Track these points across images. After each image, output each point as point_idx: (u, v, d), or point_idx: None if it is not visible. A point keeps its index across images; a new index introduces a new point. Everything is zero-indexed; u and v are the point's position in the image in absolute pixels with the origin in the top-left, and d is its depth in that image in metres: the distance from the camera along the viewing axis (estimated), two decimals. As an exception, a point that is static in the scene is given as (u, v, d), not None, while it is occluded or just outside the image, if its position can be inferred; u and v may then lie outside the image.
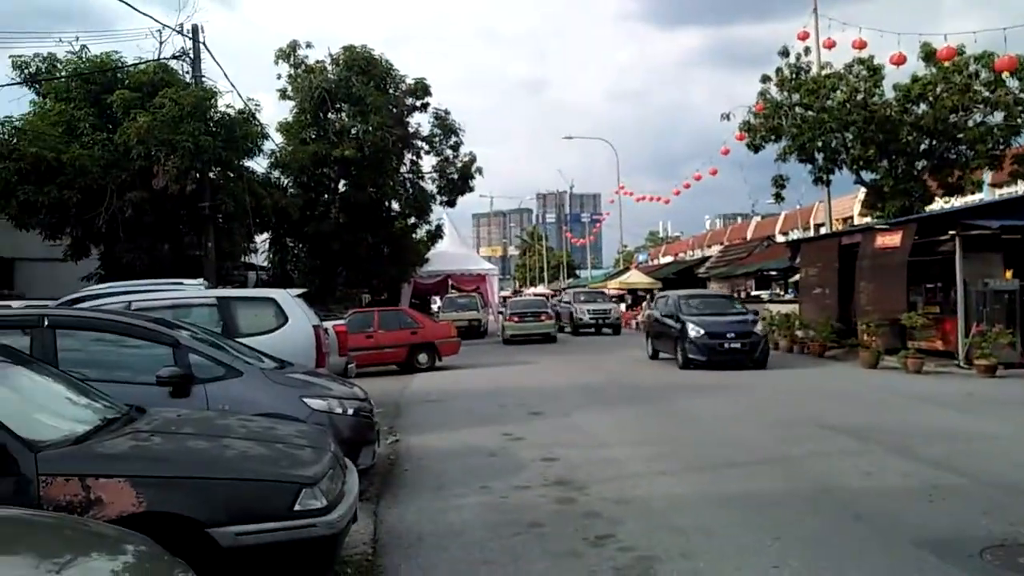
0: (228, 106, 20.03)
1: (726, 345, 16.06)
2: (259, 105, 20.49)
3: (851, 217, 38.36)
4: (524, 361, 19.45)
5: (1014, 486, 6.30)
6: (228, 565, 3.73)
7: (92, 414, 4.33)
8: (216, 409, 6.10)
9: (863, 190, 37.10)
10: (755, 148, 21.69)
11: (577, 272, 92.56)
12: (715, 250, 52.02)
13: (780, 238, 38.37)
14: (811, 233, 40.91)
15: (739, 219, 75.25)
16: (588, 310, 31.20)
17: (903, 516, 5.52)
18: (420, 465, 7.77)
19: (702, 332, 16.17)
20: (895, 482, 6.55)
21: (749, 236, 49.95)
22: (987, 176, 21.81)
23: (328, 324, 11.40)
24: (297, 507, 3.87)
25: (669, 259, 63.47)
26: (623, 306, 46.54)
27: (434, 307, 38.97)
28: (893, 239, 16.62)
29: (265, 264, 27.24)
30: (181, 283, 10.83)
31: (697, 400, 11.85)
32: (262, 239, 27.10)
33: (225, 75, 22.75)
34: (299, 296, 9.49)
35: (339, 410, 6.47)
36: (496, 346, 26.68)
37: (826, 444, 8.24)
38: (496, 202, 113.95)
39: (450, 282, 34.89)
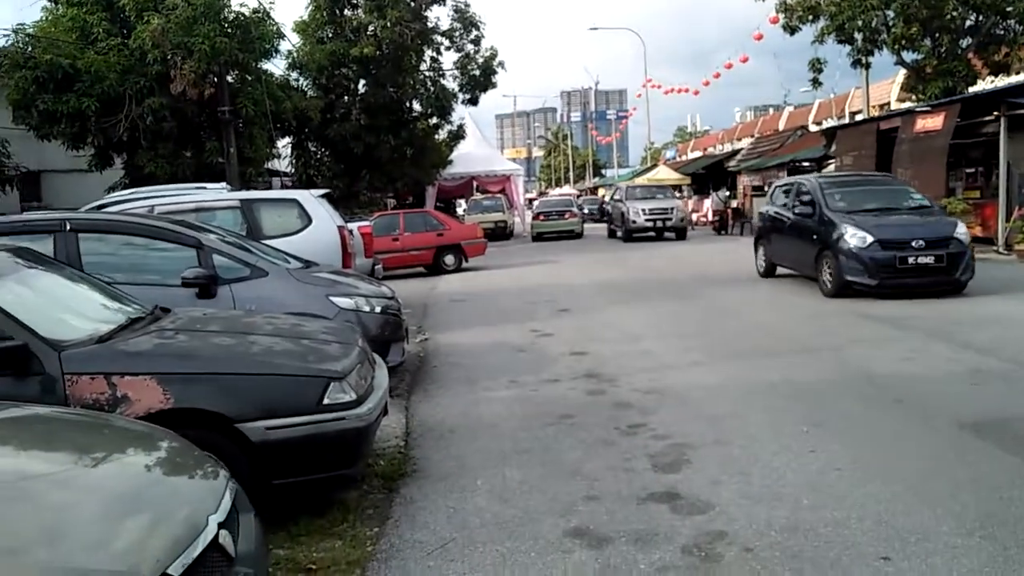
0: (242, 4, 19.37)
1: (913, 260, 9.97)
2: (273, 2, 19.79)
3: (888, 103, 36.75)
4: (549, 261, 19.32)
5: (1059, 369, 6.12)
6: (260, 460, 3.73)
7: (116, 314, 4.28)
8: (243, 309, 6.09)
9: (902, 74, 35.48)
10: (791, 30, 20.55)
11: (603, 171, 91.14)
12: (746, 143, 50.64)
13: (814, 128, 37.03)
14: (846, 121, 39.49)
15: (771, 111, 72.88)
16: (644, 209, 24.45)
17: (944, 400, 5.40)
18: (449, 362, 7.78)
19: (870, 240, 10.01)
20: (937, 367, 6.41)
21: (781, 127, 48.34)
22: (1014, 57, 20.53)
23: (353, 225, 11.29)
24: (326, 400, 3.83)
25: (698, 154, 61.99)
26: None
27: (459, 210, 38.71)
28: (935, 121, 15.91)
29: (288, 170, 27.02)
30: (204, 187, 10.70)
31: (727, 291, 11.70)
32: (284, 144, 26.84)
33: None
34: (322, 196, 9.34)
35: (366, 308, 6.42)
36: (523, 247, 26.55)
37: (865, 332, 8.09)
38: (519, 102, 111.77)
39: (475, 184, 34.42)
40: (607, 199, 32.83)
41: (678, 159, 62.70)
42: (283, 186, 27.31)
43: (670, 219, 24.49)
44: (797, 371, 6.49)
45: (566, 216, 30.20)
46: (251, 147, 19.94)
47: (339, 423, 3.83)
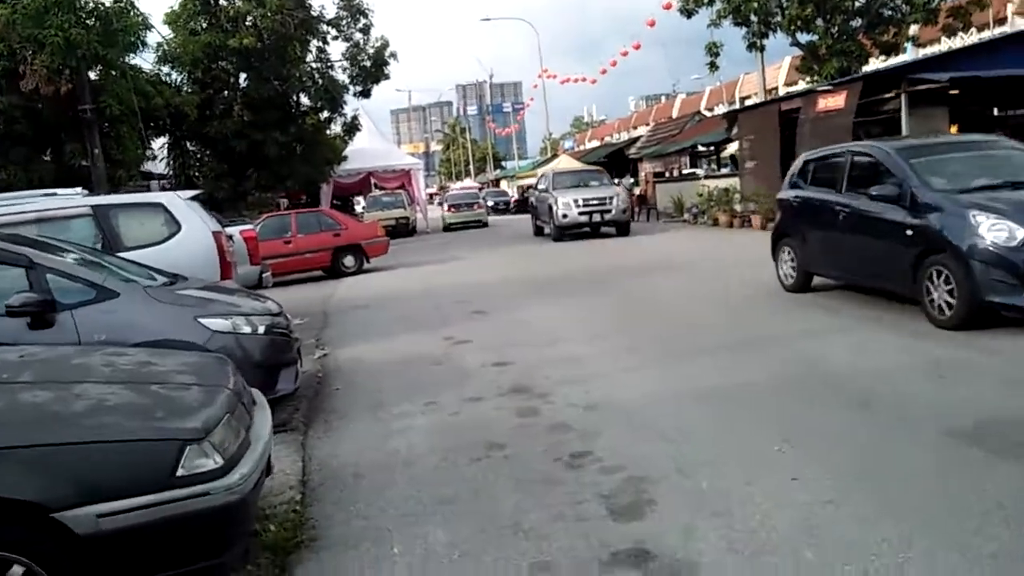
0: (100, -9, 17.47)
1: None
2: (139, -10, 17.95)
3: (776, 88, 37.68)
4: (455, 258, 18.39)
5: None
6: (91, 559, 2.70)
7: None
8: (90, 339, 4.92)
9: (788, 59, 36.57)
10: (688, 13, 20.37)
11: (503, 163, 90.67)
12: (642, 131, 51.07)
13: (707, 114, 37.46)
14: (740, 106, 40.27)
15: (663, 99, 74.15)
16: (578, 200, 19.77)
17: (914, 400, 4.83)
18: (353, 382, 6.77)
19: (1021, 235, 6.36)
20: (891, 359, 5.89)
21: (675, 115, 49.02)
22: (912, 32, 21.08)
23: (234, 230, 10.07)
24: (181, 471, 2.81)
25: (596, 143, 62.28)
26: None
27: (358, 207, 37.18)
28: (836, 100, 15.89)
29: (167, 171, 24.96)
30: (54, 193, 9.22)
31: (641, 281, 11.12)
32: (159, 144, 24.78)
33: None
34: (193, 199, 8.11)
35: (247, 329, 5.35)
36: (427, 244, 25.51)
37: (798, 318, 7.58)
38: (415, 96, 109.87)
39: (372, 180, 32.97)
40: (533, 189, 26.69)
41: (577, 149, 62.81)
42: (163, 189, 25.28)
43: (609, 211, 19.72)
44: (743, 370, 5.85)
45: (474, 207, 33.78)
46: (119, 148, 18.09)
47: (200, 500, 2.82)
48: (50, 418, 2.91)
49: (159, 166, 25.48)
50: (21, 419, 2.89)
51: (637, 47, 34.89)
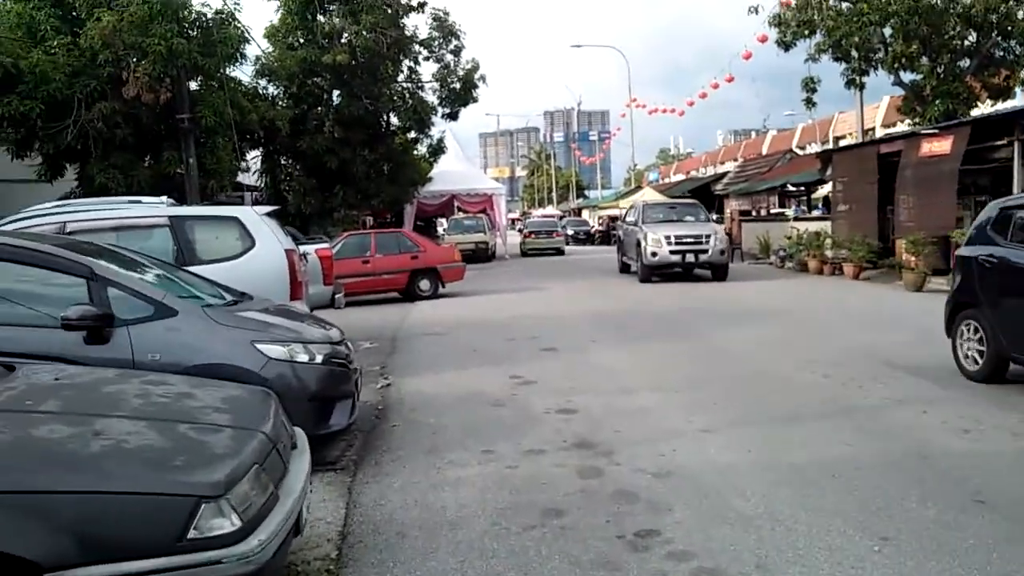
0: (204, 4, 18.09)
1: None
2: (238, 3, 18.52)
3: (873, 128, 36.17)
4: (533, 288, 18.02)
5: None
6: (86, 624, 2.41)
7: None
8: (144, 359, 4.76)
9: (887, 99, 34.97)
10: (785, 46, 19.61)
11: (586, 192, 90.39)
12: (729, 166, 49.93)
13: (799, 153, 36.17)
14: (830, 146, 38.70)
15: (753, 135, 72.51)
16: (670, 237, 17.44)
17: (1043, 500, 4.16)
18: (412, 420, 6.44)
19: None
20: (1003, 442, 5.20)
21: (765, 151, 47.72)
22: (1015, 81, 19.70)
23: (310, 248, 10.00)
24: (193, 532, 2.51)
25: (681, 177, 61.29)
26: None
27: (440, 229, 37.42)
28: (942, 145, 14.91)
29: (259, 184, 25.65)
30: (139, 201, 9.33)
31: (726, 330, 10.48)
32: (253, 157, 25.49)
33: None
34: (269, 215, 8.02)
35: (304, 357, 5.10)
36: (505, 270, 25.31)
37: (896, 387, 6.87)
38: (503, 121, 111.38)
39: (456, 203, 33.12)
40: (620, 221, 24.36)
41: (661, 181, 61.95)
42: (255, 202, 25.95)
43: (705, 251, 17.36)
44: (840, 445, 5.25)
45: (553, 235, 35.47)
46: (214, 159, 18.57)
47: (210, 570, 2.51)
48: (58, 459, 2.65)
49: (251, 177, 26.30)
50: (26, 458, 2.64)
51: (730, 80, 33.99)
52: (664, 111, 46.17)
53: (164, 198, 9.87)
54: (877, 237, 17.04)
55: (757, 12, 19.78)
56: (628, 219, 21.37)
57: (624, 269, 20.42)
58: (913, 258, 15.07)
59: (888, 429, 5.60)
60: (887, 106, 33.94)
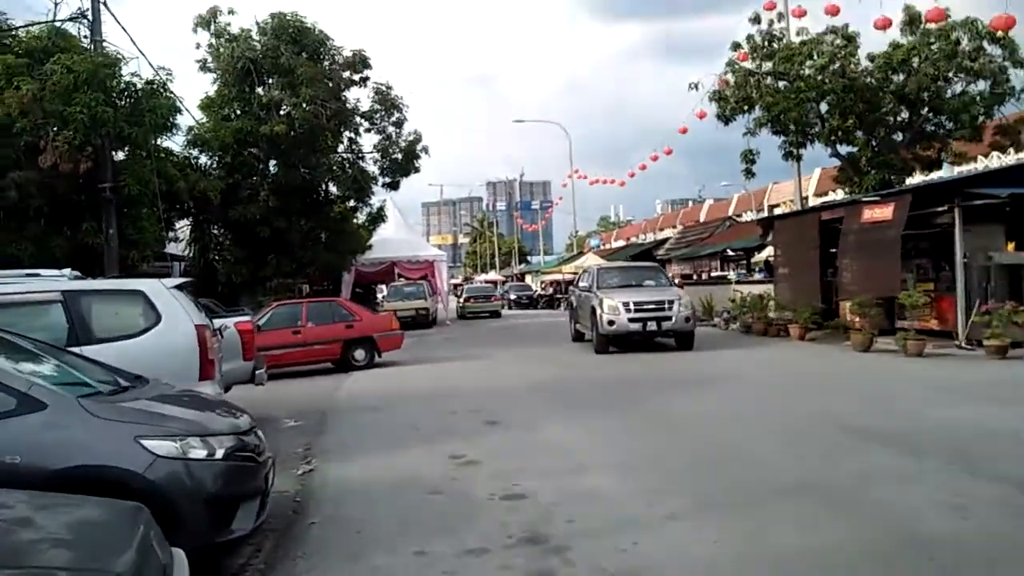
0: (134, 74, 17.44)
1: None
2: (171, 73, 17.91)
3: (807, 197, 37.15)
4: (476, 356, 17.35)
5: None
6: None
7: None
8: (2, 461, 3.94)
9: (818, 171, 36.13)
10: (725, 120, 19.92)
11: (529, 258, 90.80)
12: (669, 232, 50.70)
13: (737, 220, 36.79)
14: (764, 214, 39.61)
15: (690, 203, 74.30)
16: (628, 304, 15.71)
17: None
18: (335, 514, 5.65)
19: None
20: (1000, 521, 4.71)
21: (703, 219, 48.73)
22: (948, 153, 20.39)
23: (229, 321, 9.21)
24: None
25: (622, 243, 62.02)
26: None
27: (379, 296, 36.66)
28: (883, 212, 15.02)
29: (187, 254, 24.59)
30: (37, 274, 8.44)
31: (682, 399, 9.97)
32: (181, 226, 24.50)
33: (131, 39, 19.48)
34: (179, 287, 7.27)
35: (200, 452, 4.33)
36: (446, 337, 24.60)
37: (865, 458, 6.39)
38: (446, 191, 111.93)
39: (396, 270, 32.50)
40: (573, 287, 22.01)
41: (603, 247, 62.51)
42: (184, 272, 24.84)
43: (669, 318, 15.61)
44: (822, 528, 4.69)
45: (491, 299, 38.09)
46: (136, 229, 17.61)
47: None
48: None
49: (181, 248, 25.25)
50: None
51: (668, 152, 34.73)
52: (604, 182, 46.88)
53: (67, 271, 8.98)
54: (820, 299, 17.00)
55: (697, 88, 20.14)
56: (581, 284, 19.20)
57: (578, 338, 18.45)
58: (859, 319, 15.01)
59: (873, 510, 5.05)
60: (819, 176, 35.02)
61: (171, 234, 25.19)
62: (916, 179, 20.19)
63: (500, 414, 9.39)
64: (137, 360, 6.03)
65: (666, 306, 15.67)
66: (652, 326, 15.53)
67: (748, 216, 38.06)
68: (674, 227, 53.91)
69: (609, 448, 7.38)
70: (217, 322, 8.58)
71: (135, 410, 4.45)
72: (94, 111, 15.53)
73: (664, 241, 40.13)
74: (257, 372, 9.23)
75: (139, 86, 17.27)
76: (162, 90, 17.63)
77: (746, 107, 19.52)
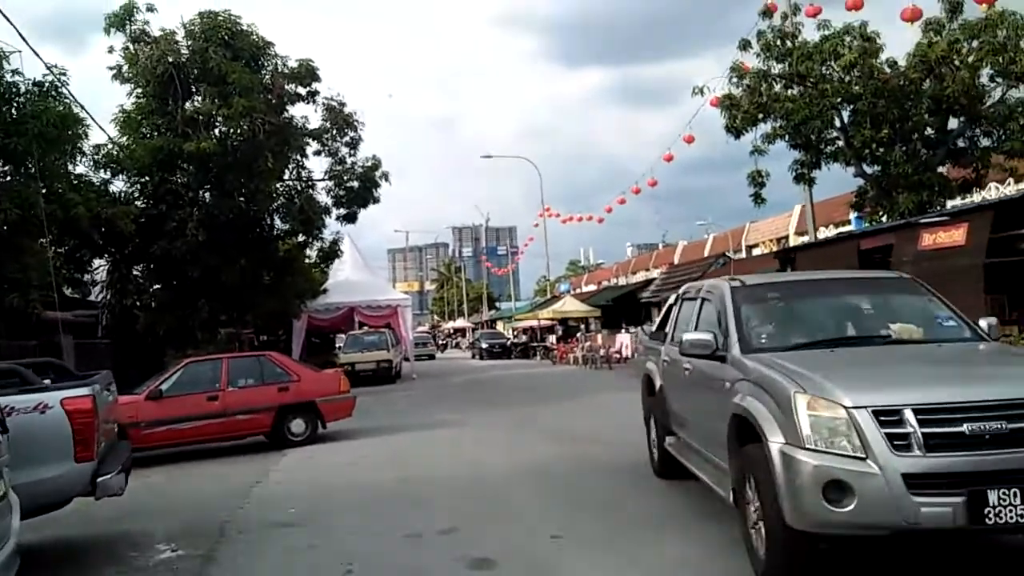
0: (16, 72, 13.97)
1: None
2: (65, 73, 14.53)
3: (786, 237, 34.68)
4: (446, 422, 13.84)
5: None
6: None
7: None
8: None
9: (798, 208, 33.56)
10: (736, 132, 16.94)
11: (497, 304, 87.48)
12: (642, 276, 47.92)
13: (731, 257, 33.96)
14: (743, 256, 36.84)
15: (660, 246, 72.06)
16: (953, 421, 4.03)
17: None
18: None
19: None
20: None
21: (676, 260, 46.15)
22: (995, 169, 17.65)
23: (51, 396, 5.67)
24: None
25: (593, 287, 59.11)
26: (553, 338, 41.47)
27: (339, 346, 32.88)
28: (953, 235, 12.08)
29: (102, 299, 20.82)
30: None
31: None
32: (98, 266, 20.80)
33: (18, 30, 14.23)
34: None
35: None
36: (410, 394, 21.08)
37: None
38: (411, 237, 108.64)
39: (356, 316, 28.88)
40: (659, 338, 7.87)
41: (574, 292, 59.49)
42: (102, 320, 21.08)
43: None
44: None
45: (427, 346, 46.69)
46: (17, 266, 13.95)
47: None
48: None
49: (97, 292, 21.50)
50: None
51: (636, 191, 32.28)
52: (580, 219, 44.10)
53: None
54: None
55: (702, 93, 17.19)
56: (691, 338, 5.76)
57: (667, 463, 7.23)
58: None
59: None
60: (798, 215, 32.71)
61: (86, 276, 21.53)
62: (956, 202, 17.40)
63: (489, 538, 5.96)
64: None
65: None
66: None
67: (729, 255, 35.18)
68: (647, 270, 51.26)
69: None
70: (6, 400, 5.14)
71: None
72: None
73: (648, 283, 37.23)
74: (101, 479, 5.68)
75: (23, 88, 13.89)
76: (53, 93, 14.22)
77: (761, 115, 16.58)
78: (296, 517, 7.16)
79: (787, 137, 16.81)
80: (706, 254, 42.03)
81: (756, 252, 36.82)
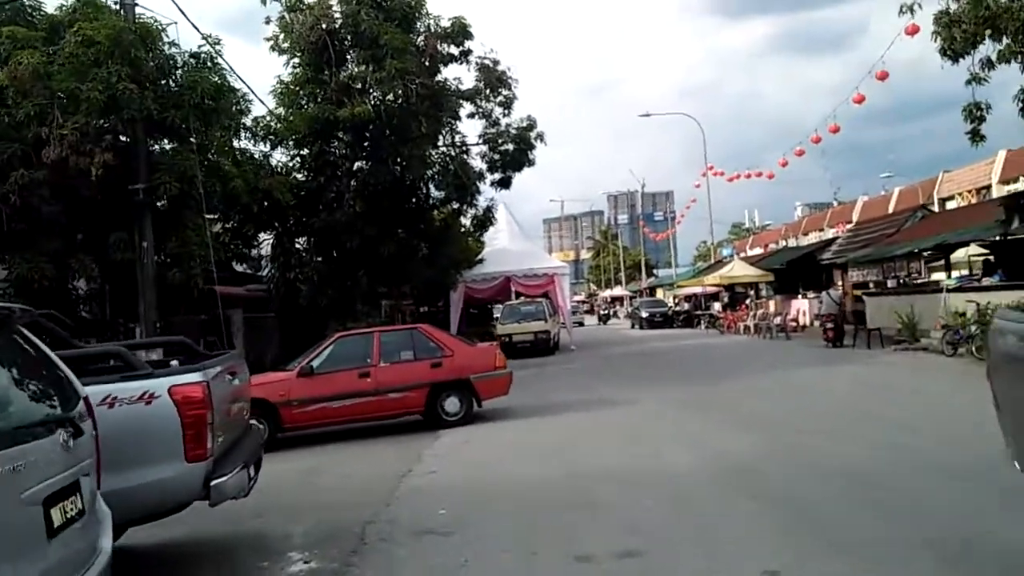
0: (172, 44, 13.90)
1: None
2: (220, 43, 14.35)
3: (988, 186, 29.88)
4: (614, 401, 12.45)
5: None
6: None
7: None
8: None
9: (1003, 153, 28.64)
10: (954, 56, 14.12)
11: (655, 271, 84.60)
12: (814, 237, 43.86)
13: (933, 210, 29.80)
14: (936, 209, 32.09)
15: (835, 203, 66.13)
16: None
17: None
18: None
19: None
20: None
21: (855, 219, 41.61)
22: None
23: (155, 383, 4.79)
24: None
25: (759, 250, 55.14)
26: (718, 305, 38.88)
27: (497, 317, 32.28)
28: None
29: (268, 274, 21.14)
30: None
31: None
32: (264, 240, 21.15)
33: (176, 4, 14.53)
34: None
35: None
36: (569, 367, 19.88)
37: None
38: (567, 206, 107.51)
39: (511, 286, 28.05)
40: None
41: (739, 256, 55.79)
42: (268, 295, 21.46)
43: None
44: None
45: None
46: (178, 241, 14.01)
47: None
48: None
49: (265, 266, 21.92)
50: None
51: (817, 140, 28.76)
52: (747, 175, 40.80)
53: None
54: None
55: (912, 12, 14.44)
56: None
57: None
58: None
59: None
60: (1002, 161, 28.09)
61: (253, 251, 21.97)
62: None
63: (683, 569, 4.55)
64: None
65: None
66: None
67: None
68: (820, 230, 46.92)
69: None
70: (107, 389, 4.34)
71: None
72: (113, 88, 12.06)
73: (826, 243, 33.79)
74: (215, 482, 4.81)
75: (180, 59, 13.81)
76: (209, 63, 14.06)
77: (988, 31, 13.60)
78: (445, 522, 6.08)
79: (1021, 57, 13.76)
80: (890, 210, 37.54)
81: (950, 205, 32.36)
